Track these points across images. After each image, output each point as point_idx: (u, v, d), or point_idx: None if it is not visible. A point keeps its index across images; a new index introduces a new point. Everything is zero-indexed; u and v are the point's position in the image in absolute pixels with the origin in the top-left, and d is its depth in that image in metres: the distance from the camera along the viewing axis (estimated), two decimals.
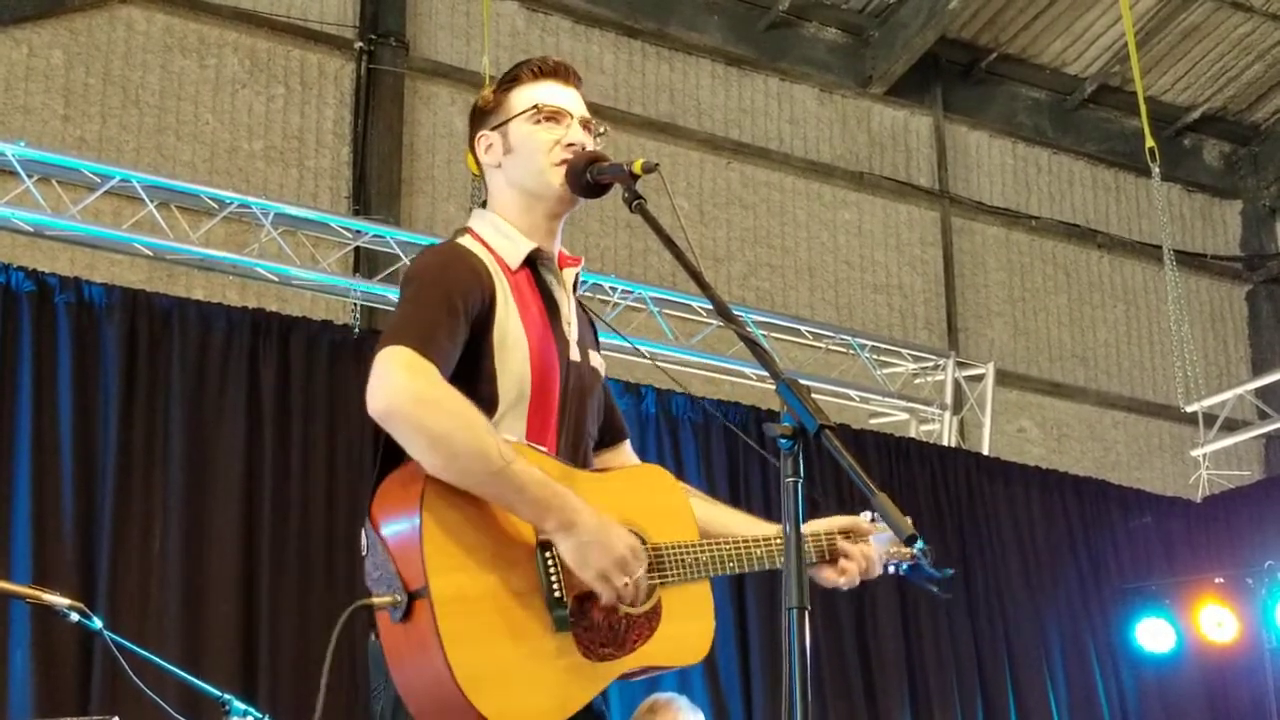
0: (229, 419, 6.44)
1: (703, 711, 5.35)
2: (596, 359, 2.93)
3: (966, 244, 10.20)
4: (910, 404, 8.85)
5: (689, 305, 8.11)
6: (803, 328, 8.70)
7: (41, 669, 5.71)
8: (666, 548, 2.76)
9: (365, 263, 7.77)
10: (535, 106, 2.85)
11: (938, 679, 7.88)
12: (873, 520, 3.05)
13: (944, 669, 7.92)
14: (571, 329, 2.86)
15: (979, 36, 10.17)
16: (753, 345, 2.46)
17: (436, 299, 2.64)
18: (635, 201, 2.69)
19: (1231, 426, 9.53)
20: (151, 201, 7.03)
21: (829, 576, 2.98)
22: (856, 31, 9.97)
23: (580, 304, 2.98)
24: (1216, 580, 8.35)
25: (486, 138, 2.89)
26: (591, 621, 2.64)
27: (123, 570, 6.04)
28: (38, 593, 4.01)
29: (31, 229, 6.86)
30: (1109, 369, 10.43)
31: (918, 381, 8.96)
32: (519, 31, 9.07)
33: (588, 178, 2.77)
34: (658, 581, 2.72)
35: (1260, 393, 9.72)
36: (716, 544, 2.83)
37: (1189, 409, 9.45)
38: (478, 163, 2.94)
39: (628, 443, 3.08)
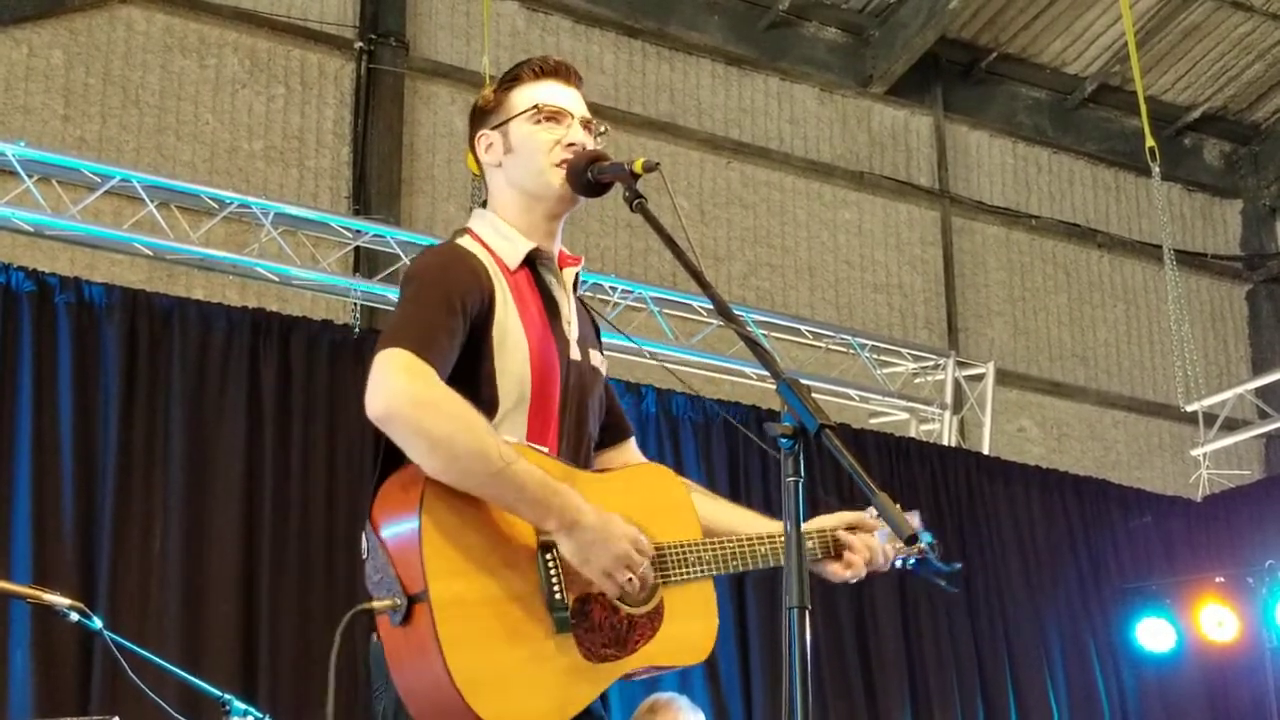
0: (229, 419, 6.44)
1: (703, 711, 5.35)
2: (597, 358, 2.92)
3: (967, 243, 10.20)
4: (910, 403, 8.85)
5: (689, 305, 8.10)
6: (803, 327, 8.69)
7: (42, 669, 5.71)
8: (669, 547, 2.75)
9: (365, 262, 7.77)
10: (536, 106, 2.84)
11: (938, 679, 7.88)
12: (877, 515, 3.05)
13: (944, 669, 7.92)
14: (571, 328, 2.85)
15: (979, 36, 10.17)
16: (753, 345, 2.45)
17: (435, 300, 2.64)
18: (636, 201, 2.69)
19: (1232, 426, 9.53)
20: (151, 201, 7.03)
21: (835, 570, 2.97)
22: (857, 31, 9.97)
23: (582, 303, 2.98)
24: (1217, 580, 8.35)
25: (487, 137, 2.89)
26: (593, 623, 2.64)
27: (123, 570, 6.04)
28: (38, 592, 4.01)
29: (32, 229, 6.86)
30: (1109, 368, 10.43)
31: (918, 381, 8.96)
32: (519, 31, 9.07)
33: (588, 177, 2.77)
34: (660, 581, 2.72)
35: (1260, 392, 9.72)
36: (720, 542, 2.82)
37: (1189, 408, 9.45)
38: (478, 162, 2.94)
39: (633, 441, 3.07)
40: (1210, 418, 9.38)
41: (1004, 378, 9.62)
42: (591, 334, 2.96)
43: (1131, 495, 9.15)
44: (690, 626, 2.76)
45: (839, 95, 10.02)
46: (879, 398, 8.79)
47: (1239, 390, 9.51)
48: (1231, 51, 10.37)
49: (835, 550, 2.96)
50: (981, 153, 10.45)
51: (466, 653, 2.47)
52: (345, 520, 6.39)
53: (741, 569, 2.83)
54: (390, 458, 2.61)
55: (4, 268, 6.27)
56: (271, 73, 8.31)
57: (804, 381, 2.32)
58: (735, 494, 7.42)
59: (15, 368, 6.12)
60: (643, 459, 3.06)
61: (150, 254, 7.15)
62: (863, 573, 2.98)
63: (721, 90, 9.64)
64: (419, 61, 8.69)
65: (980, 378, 9.09)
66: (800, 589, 2.18)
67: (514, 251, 2.82)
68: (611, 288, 7.86)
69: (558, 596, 2.59)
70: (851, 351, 8.76)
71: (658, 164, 2.69)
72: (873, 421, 8.75)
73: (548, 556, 2.60)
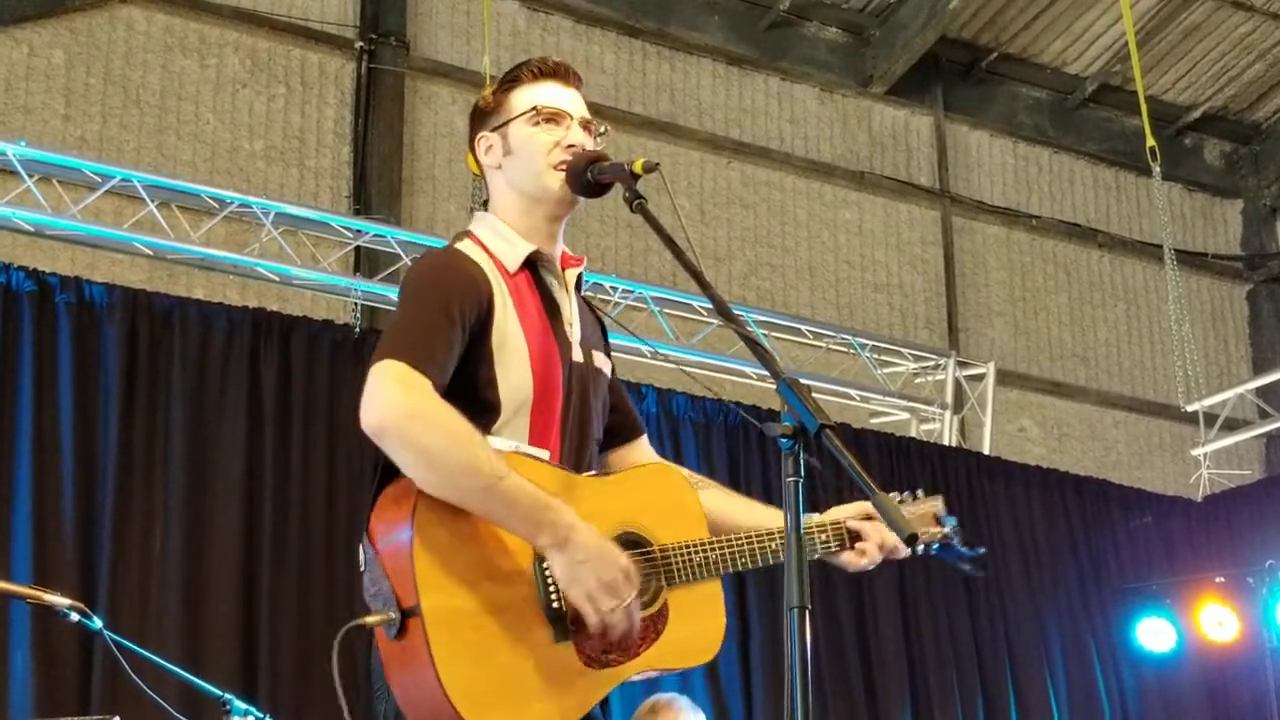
0: (229, 419, 6.44)
1: (704, 711, 5.34)
2: (601, 359, 2.91)
3: (967, 243, 10.19)
4: (911, 403, 8.85)
5: (689, 305, 8.10)
6: (803, 327, 8.69)
7: (42, 669, 5.70)
8: (674, 548, 2.74)
9: (366, 262, 7.77)
10: (534, 108, 2.83)
11: (938, 678, 7.88)
12: (901, 501, 3.05)
13: (944, 668, 7.92)
14: (573, 330, 2.85)
15: (979, 36, 10.17)
16: (753, 345, 2.45)
17: (432, 309, 2.63)
18: (636, 201, 2.68)
19: (1232, 426, 9.52)
20: (152, 201, 7.03)
21: (849, 560, 2.96)
22: (857, 31, 9.97)
23: (589, 305, 2.98)
24: (1217, 579, 8.35)
25: (487, 139, 2.88)
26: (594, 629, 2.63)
27: (123, 570, 6.04)
28: (38, 593, 4.01)
29: (32, 229, 6.86)
30: (1110, 368, 10.43)
31: (918, 381, 8.96)
32: (520, 31, 9.07)
33: (588, 178, 2.76)
34: (664, 584, 2.71)
35: (1261, 392, 9.71)
36: (727, 541, 2.80)
37: (1190, 408, 9.44)
38: (479, 164, 2.93)
39: (644, 439, 3.05)
40: (1211, 418, 9.37)
41: (1004, 378, 9.62)
42: (596, 335, 2.95)
43: (1132, 495, 9.15)
44: (696, 627, 2.74)
45: (839, 95, 10.01)
46: (879, 398, 8.79)
47: (1239, 390, 9.51)
48: (1232, 51, 10.37)
49: (850, 540, 2.95)
50: (982, 152, 10.45)
51: (461, 666, 2.47)
52: (345, 520, 6.39)
53: (750, 566, 2.81)
54: (389, 468, 2.60)
55: (4, 267, 6.27)
56: (272, 72, 8.31)
57: (804, 381, 2.31)
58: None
59: (16, 368, 6.12)
60: (655, 457, 3.04)
61: (151, 254, 7.15)
62: (878, 559, 2.95)
63: (722, 90, 9.64)
64: (419, 61, 8.69)
65: (981, 378, 9.09)
66: (800, 589, 2.17)
67: (514, 254, 2.81)
68: (612, 288, 7.86)
69: (555, 605, 2.58)
70: (852, 351, 8.76)
71: (657, 164, 2.68)
72: (873, 421, 8.75)
73: (545, 565, 2.59)
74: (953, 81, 10.31)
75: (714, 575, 2.77)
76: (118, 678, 5.02)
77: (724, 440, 7.70)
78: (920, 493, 3.12)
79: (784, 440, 2.24)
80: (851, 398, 8.72)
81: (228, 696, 4.04)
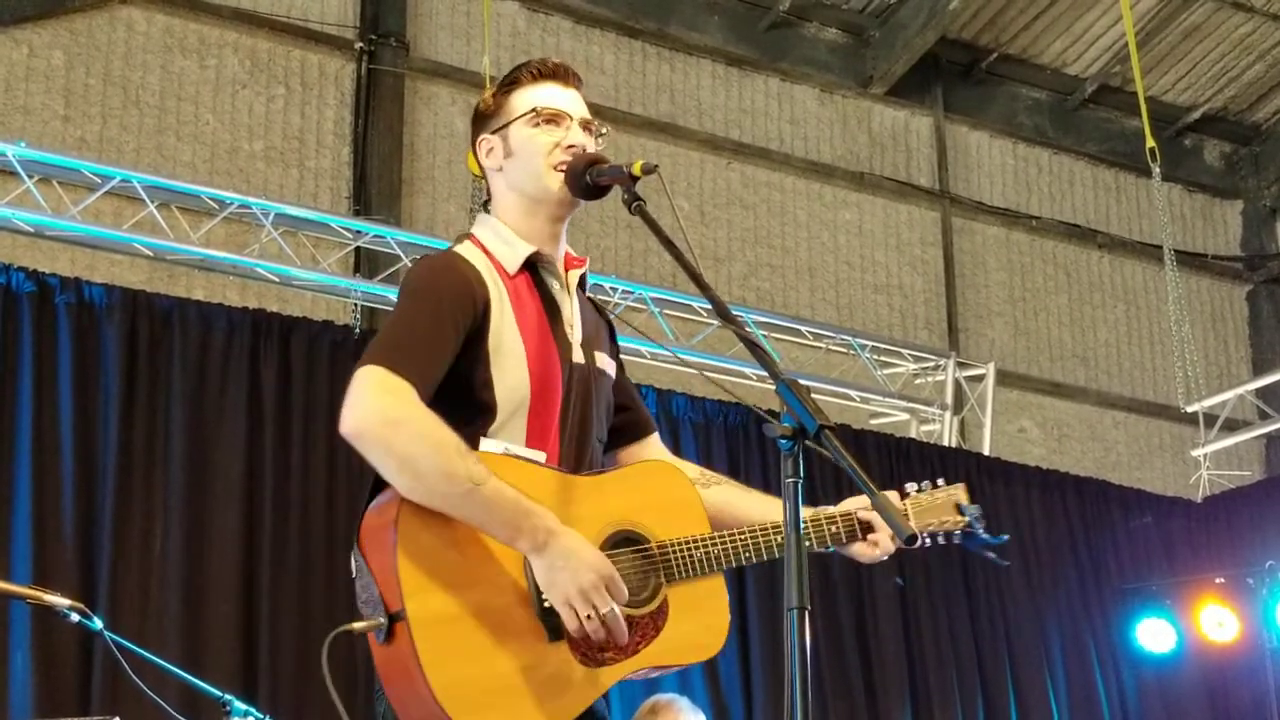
0: (229, 419, 6.44)
1: (704, 712, 5.34)
2: (604, 360, 2.91)
3: (967, 244, 10.19)
4: (911, 404, 8.85)
5: (689, 305, 8.11)
6: (803, 328, 8.70)
7: (42, 669, 5.71)
8: (672, 544, 2.73)
9: (366, 263, 7.77)
10: (534, 110, 2.84)
11: (938, 678, 7.88)
12: (920, 489, 3.04)
13: (944, 668, 7.92)
14: (574, 331, 2.85)
15: (979, 37, 10.17)
16: (753, 346, 2.45)
17: (423, 312, 2.65)
18: (635, 203, 2.67)
19: (1232, 427, 9.53)
20: (152, 202, 7.03)
21: (861, 551, 2.94)
22: (857, 32, 9.97)
23: (596, 306, 2.98)
24: (1217, 580, 8.35)
25: (488, 141, 2.89)
26: None
27: (123, 570, 6.04)
28: (38, 593, 4.01)
29: (32, 229, 6.86)
30: (1109, 369, 10.43)
31: (918, 382, 8.96)
32: (519, 32, 9.07)
33: (587, 180, 2.76)
34: (663, 580, 2.70)
35: (1261, 393, 9.72)
36: (729, 536, 2.78)
37: (1189, 409, 9.45)
38: (480, 166, 2.93)
39: (655, 438, 3.06)
40: (1210, 418, 9.38)
41: (1004, 378, 9.62)
42: (601, 336, 2.94)
43: (1132, 496, 9.15)
44: (697, 623, 2.74)
45: (839, 96, 10.01)
46: (879, 398, 8.79)
47: (1239, 391, 9.51)
48: (1232, 52, 10.37)
49: (861, 531, 2.93)
50: (982, 153, 10.45)
51: (449, 668, 2.48)
52: (345, 520, 6.39)
53: (754, 560, 2.80)
54: (382, 479, 2.61)
55: (4, 268, 6.27)
56: (272, 73, 8.31)
57: (804, 382, 2.31)
58: None
59: (16, 368, 6.12)
60: (667, 455, 3.04)
61: (150, 254, 7.15)
62: (891, 549, 2.93)
63: (722, 91, 9.64)
64: (419, 62, 8.69)
65: (981, 378, 9.09)
66: (800, 590, 2.17)
67: (513, 256, 2.81)
68: (611, 288, 7.87)
69: (547, 605, 2.58)
70: (852, 352, 8.76)
71: (656, 167, 2.68)
72: (873, 422, 8.75)
73: None
74: (953, 82, 10.31)
75: (715, 570, 2.76)
76: (118, 678, 5.02)
77: (724, 440, 7.70)
78: (941, 481, 3.10)
79: (784, 441, 2.24)
80: (851, 399, 8.73)
81: (228, 697, 4.04)
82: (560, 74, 2.89)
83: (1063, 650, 8.38)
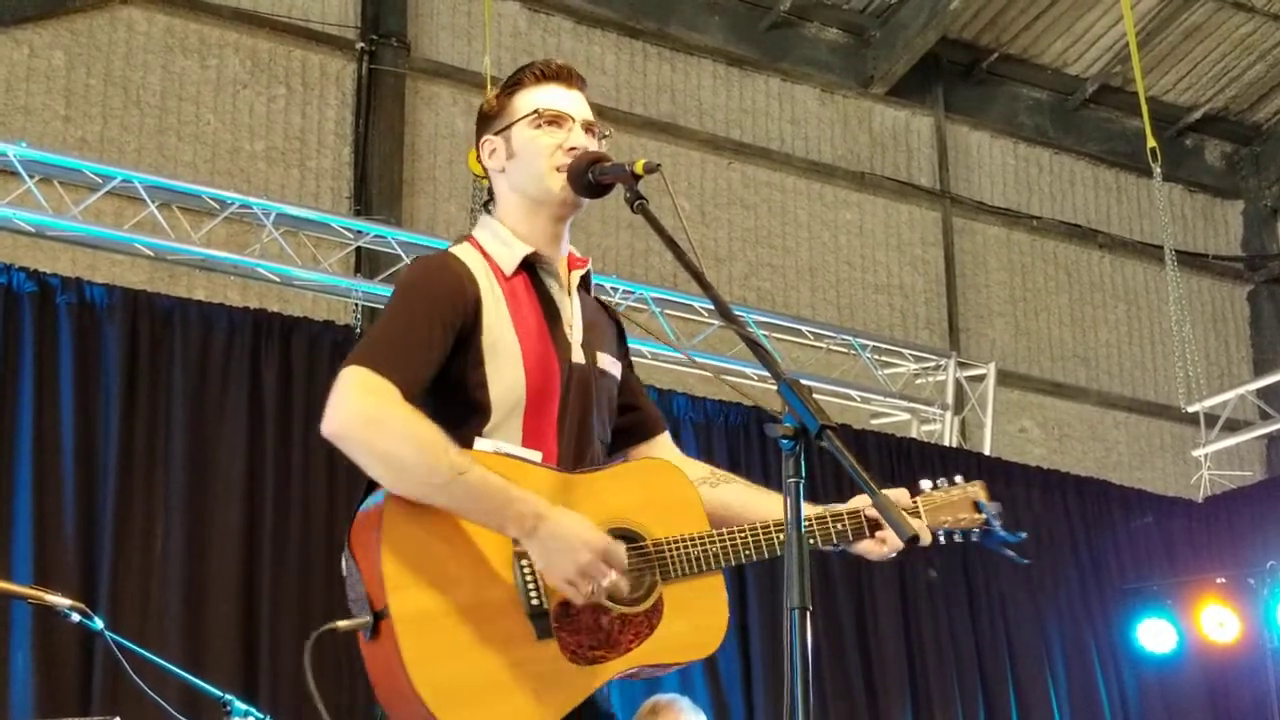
0: (230, 419, 6.44)
1: (704, 711, 5.34)
2: (607, 360, 2.90)
3: (968, 244, 10.19)
4: (911, 404, 8.85)
5: (690, 305, 8.11)
6: (804, 328, 8.69)
7: (43, 669, 5.71)
8: (668, 543, 2.72)
9: (367, 263, 7.77)
10: (536, 111, 2.84)
11: (938, 678, 7.88)
12: (935, 487, 3.01)
13: (944, 668, 7.92)
14: (574, 331, 2.84)
15: (980, 37, 10.17)
16: (754, 346, 2.45)
17: (411, 313, 2.65)
18: (637, 202, 2.68)
19: (1233, 427, 9.53)
20: (153, 202, 7.03)
21: (870, 548, 2.91)
22: (857, 32, 9.97)
23: (604, 306, 2.97)
24: (1218, 580, 8.34)
25: (490, 142, 2.89)
26: (579, 625, 2.62)
27: (124, 570, 6.04)
28: (39, 593, 4.01)
29: (33, 229, 6.86)
30: (1110, 369, 10.42)
31: (919, 382, 8.96)
32: (520, 32, 9.07)
33: (589, 178, 2.77)
34: (659, 579, 2.69)
35: (1262, 393, 9.72)
36: (728, 533, 2.77)
37: (1190, 409, 9.44)
38: (484, 167, 2.93)
39: (665, 436, 3.03)
40: (1211, 418, 9.37)
41: (1005, 378, 9.62)
42: (605, 336, 2.94)
43: (1133, 496, 9.15)
44: (693, 622, 2.72)
45: (840, 96, 10.01)
46: (880, 398, 8.79)
47: (1240, 391, 9.51)
48: (1233, 52, 10.37)
49: (870, 529, 2.91)
50: (983, 153, 10.45)
51: (432, 666, 2.48)
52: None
53: (754, 559, 2.78)
54: (375, 481, 2.62)
55: (5, 268, 6.27)
56: (273, 73, 8.31)
57: (805, 382, 2.31)
58: None
59: (17, 368, 6.13)
60: (677, 454, 3.02)
61: (151, 254, 7.16)
62: (899, 546, 2.88)
63: (723, 91, 9.64)
64: (420, 62, 8.69)
65: (981, 378, 9.09)
66: (801, 590, 2.17)
67: (510, 256, 2.81)
68: (613, 288, 7.87)
69: (535, 602, 2.58)
70: (853, 352, 8.76)
71: (658, 165, 2.68)
72: (874, 422, 8.75)
73: (524, 562, 2.59)
74: (953, 82, 10.31)
75: (712, 569, 2.74)
76: (118, 678, 5.02)
77: (724, 440, 7.70)
78: (960, 479, 3.08)
79: (785, 441, 2.24)
80: (852, 399, 8.73)
81: (228, 697, 4.04)
82: (564, 76, 2.89)
83: (1063, 650, 8.38)
